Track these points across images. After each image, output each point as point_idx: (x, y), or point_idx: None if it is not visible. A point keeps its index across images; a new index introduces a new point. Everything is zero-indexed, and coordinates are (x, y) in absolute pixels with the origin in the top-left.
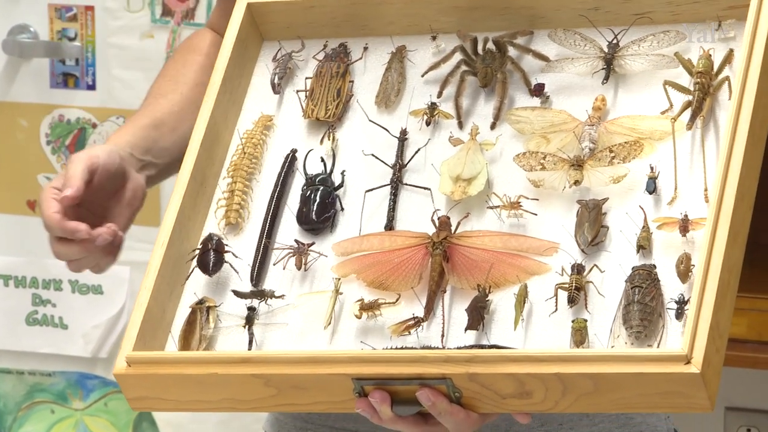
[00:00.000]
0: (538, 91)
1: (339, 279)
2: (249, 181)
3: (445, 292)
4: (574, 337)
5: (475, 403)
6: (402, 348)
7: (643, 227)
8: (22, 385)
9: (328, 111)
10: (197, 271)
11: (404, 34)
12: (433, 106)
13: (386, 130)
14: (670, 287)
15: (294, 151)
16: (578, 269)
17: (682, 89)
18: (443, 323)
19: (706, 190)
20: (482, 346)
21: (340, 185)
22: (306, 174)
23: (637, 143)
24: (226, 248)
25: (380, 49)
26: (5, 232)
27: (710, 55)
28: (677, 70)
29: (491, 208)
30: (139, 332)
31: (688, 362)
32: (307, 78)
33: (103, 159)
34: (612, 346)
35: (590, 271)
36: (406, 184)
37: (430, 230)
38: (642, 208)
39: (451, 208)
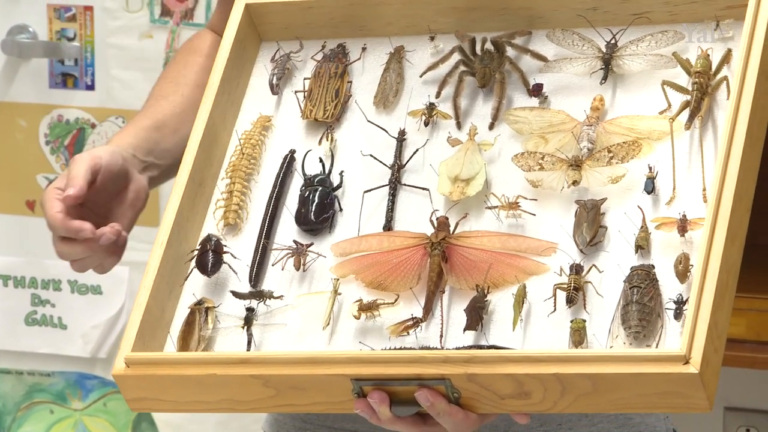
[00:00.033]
0: (536, 91)
1: (338, 279)
2: (247, 182)
3: (443, 292)
4: (572, 337)
5: (473, 403)
6: (401, 348)
7: (642, 227)
8: (21, 386)
9: (327, 111)
10: (196, 271)
11: (402, 35)
12: (431, 107)
13: (384, 130)
14: (669, 287)
15: (292, 152)
16: (577, 269)
17: (681, 89)
18: (442, 324)
19: (704, 190)
20: (481, 347)
21: (339, 186)
22: (304, 175)
23: (636, 143)
24: (225, 249)
25: (378, 49)
26: (4, 232)
27: (708, 55)
28: (675, 70)
29: (490, 208)
30: (138, 333)
31: (687, 362)
32: (305, 78)
33: (105, 159)
34: (610, 347)
35: (589, 271)
36: (405, 185)
37: (429, 231)
38: (640, 208)
39: (450, 209)
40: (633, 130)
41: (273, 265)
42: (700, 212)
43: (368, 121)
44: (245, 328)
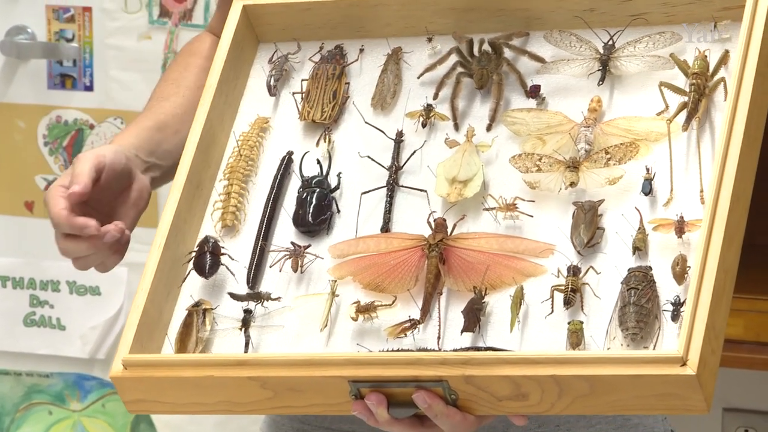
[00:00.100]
0: (533, 92)
1: (335, 281)
2: (245, 184)
3: (441, 294)
4: (570, 339)
5: (471, 405)
6: (398, 350)
7: (639, 229)
8: (19, 387)
9: (324, 113)
10: (194, 273)
11: (400, 36)
12: (429, 108)
13: (382, 132)
14: (666, 289)
15: (290, 153)
16: (574, 271)
17: (678, 90)
18: (439, 325)
19: (701, 191)
20: (478, 348)
21: (336, 187)
22: (302, 176)
23: (633, 145)
24: (223, 250)
25: (376, 50)
26: (3, 233)
27: (706, 56)
28: (673, 71)
29: (487, 209)
30: (135, 334)
31: (684, 364)
32: (303, 80)
33: (109, 158)
34: (608, 348)
35: (586, 272)
36: (403, 186)
37: (427, 232)
38: (638, 210)
39: (447, 210)
40: (630, 131)
41: (271, 266)
42: (698, 214)
43: (366, 122)
44: (243, 329)
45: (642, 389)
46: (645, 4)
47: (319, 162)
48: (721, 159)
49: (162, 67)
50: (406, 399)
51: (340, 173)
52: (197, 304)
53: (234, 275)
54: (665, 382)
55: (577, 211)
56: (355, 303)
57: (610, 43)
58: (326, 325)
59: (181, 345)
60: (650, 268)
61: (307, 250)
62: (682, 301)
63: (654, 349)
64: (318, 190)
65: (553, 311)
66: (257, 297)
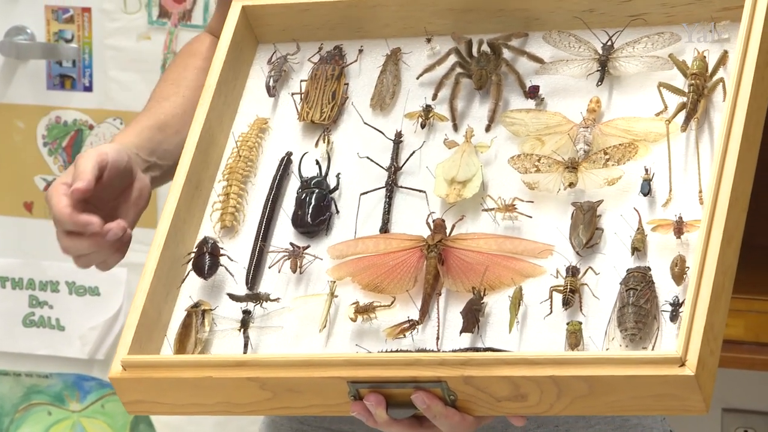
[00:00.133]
0: (532, 93)
1: (334, 282)
2: (244, 184)
3: (440, 294)
4: (568, 339)
5: (470, 406)
6: (397, 351)
7: (638, 229)
8: (19, 387)
9: (323, 114)
10: (193, 274)
11: (399, 37)
12: (428, 109)
13: (381, 132)
14: (665, 289)
15: (289, 154)
16: (573, 271)
17: (677, 91)
18: (438, 326)
19: (700, 192)
20: (477, 349)
21: (335, 188)
22: (301, 177)
23: (632, 145)
24: (222, 251)
25: (375, 51)
26: (2, 233)
27: (704, 57)
28: (672, 71)
29: (486, 210)
30: (134, 335)
31: (683, 365)
32: (302, 81)
33: (112, 156)
34: (607, 349)
35: (585, 273)
36: (401, 187)
37: (425, 233)
38: (637, 210)
39: (446, 211)
40: (629, 131)
41: (270, 267)
42: (697, 214)
43: (365, 123)
44: (242, 330)
45: (641, 390)
46: (644, 4)
47: (318, 163)
48: (720, 159)
49: (161, 67)
50: (404, 400)
51: (339, 174)
52: (196, 305)
53: (233, 276)
54: (664, 383)
55: (576, 212)
56: (354, 304)
57: (609, 43)
58: (325, 326)
59: (180, 346)
60: (649, 268)
61: (306, 251)
62: (680, 301)
63: (653, 349)
64: (317, 190)
65: (551, 312)
66: (256, 298)
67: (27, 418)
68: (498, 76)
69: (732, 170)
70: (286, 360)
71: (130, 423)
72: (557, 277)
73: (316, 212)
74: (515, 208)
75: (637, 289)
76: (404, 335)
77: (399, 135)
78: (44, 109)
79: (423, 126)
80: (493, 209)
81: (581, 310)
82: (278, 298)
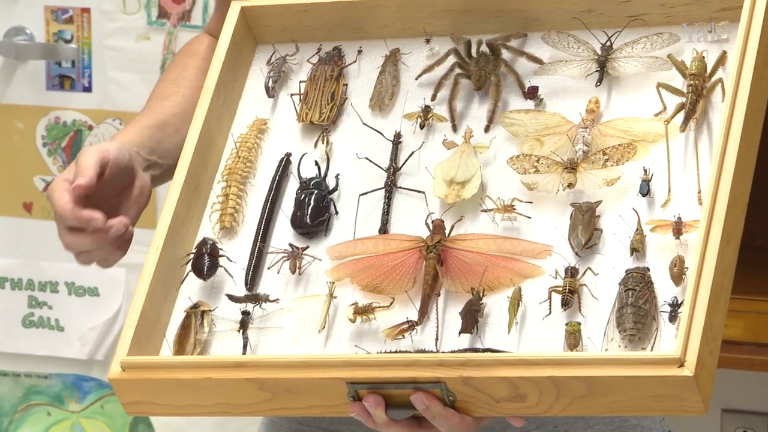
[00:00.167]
0: (531, 93)
1: (333, 283)
2: (243, 185)
3: (439, 295)
4: (567, 340)
5: (469, 406)
6: (396, 352)
7: (637, 230)
8: (18, 388)
9: (323, 114)
10: (192, 275)
11: (398, 37)
12: (427, 109)
13: (380, 133)
14: (664, 290)
15: (288, 155)
16: (572, 272)
17: (676, 91)
18: (437, 327)
19: (699, 192)
20: (476, 350)
21: (335, 189)
22: (300, 178)
23: (631, 146)
24: (221, 252)
25: (374, 52)
26: (1, 234)
27: (703, 57)
28: (670, 72)
29: (485, 211)
30: (133, 336)
31: (682, 365)
32: (301, 81)
33: (113, 153)
34: (605, 349)
35: (584, 274)
36: (400, 188)
37: (424, 233)
38: (635, 211)
39: (445, 212)
40: (628, 132)
41: (269, 268)
42: (695, 214)
43: (364, 123)
44: (241, 331)
45: (640, 390)
46: (643, 5)
47: (317, 163)
48: (719, 160)
49: (161, 67)
50: (404, 400)
51: (338, 175)
52: (195, 306)
53: (232, 277)
54: (663, 384)
55: (575, 213)
56: (353, 304)
57: (608, 44)
58: (324, 327)
59: (179, 347)
60: (648, 269)
61: (305, 252)
62: (679, 302)
63: (652, 350)
64: (316, 191)
65: (550, 312)
66: (255, 299)
67: (26, 418)
68: (497, 77)
69: (731, 170)
70: (285, 361)
71: (129, 423)
72: (556, 278)
73: (316, 213)
74: (514, 209)
75: (636, 290)
76: (403, 336)
77: (398, 136)
78: (43, 110)
79: (422, 126)
80: (492, 210)
81: (580, 310)
82: (277, 299)
